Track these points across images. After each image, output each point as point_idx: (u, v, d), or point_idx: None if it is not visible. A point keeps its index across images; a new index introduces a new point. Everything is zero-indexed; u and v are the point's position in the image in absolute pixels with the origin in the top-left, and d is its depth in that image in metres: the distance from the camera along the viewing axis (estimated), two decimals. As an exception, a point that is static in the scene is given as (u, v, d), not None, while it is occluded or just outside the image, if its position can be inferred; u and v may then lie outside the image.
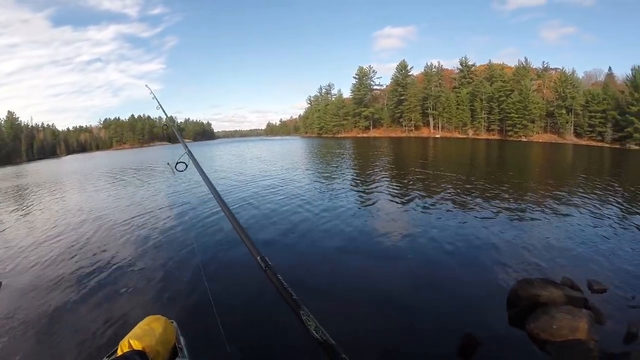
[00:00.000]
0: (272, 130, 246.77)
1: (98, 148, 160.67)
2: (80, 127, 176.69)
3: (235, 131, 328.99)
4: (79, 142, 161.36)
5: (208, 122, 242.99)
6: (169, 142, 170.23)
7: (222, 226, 11.30)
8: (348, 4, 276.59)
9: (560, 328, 5.25)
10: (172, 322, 3.40)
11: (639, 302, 6.52)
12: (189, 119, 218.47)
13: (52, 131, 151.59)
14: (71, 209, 16.71)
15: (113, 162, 54.35)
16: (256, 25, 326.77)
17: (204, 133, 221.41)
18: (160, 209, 14.84)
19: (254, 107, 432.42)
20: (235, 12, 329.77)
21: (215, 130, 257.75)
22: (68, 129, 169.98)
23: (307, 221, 12.22)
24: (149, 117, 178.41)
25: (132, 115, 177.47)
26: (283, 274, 1.64)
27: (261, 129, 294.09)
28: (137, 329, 3.13)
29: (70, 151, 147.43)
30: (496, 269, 7.97)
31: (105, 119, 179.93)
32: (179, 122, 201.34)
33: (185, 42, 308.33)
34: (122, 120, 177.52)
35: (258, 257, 1.78)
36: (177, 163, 3.31)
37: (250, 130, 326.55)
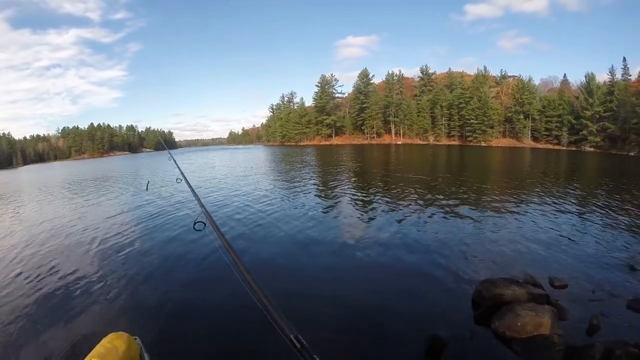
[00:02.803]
0: (234, 139, 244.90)
1: (56, 158, 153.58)
2: (38, 136, 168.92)
3: (198, 140, 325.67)
4: (36, 151, 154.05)
5: (170, 131, 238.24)
6: (130, 151, 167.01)
7: (187, 240, 10.84)
8: (311, 14, 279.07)
9: (524, 325, 5.33)
10: (136, 339, 3.13)
11: (598, 296, 6.72)
12: (150, 127, 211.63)
13: (8, 140, 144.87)
14: (29, 223, 15.68)
15: (74, 172, 52.03)
16: (219, 34, 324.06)
17: (165, 142, 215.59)
18: (125, 222, 14.10)
19: (216, 116, 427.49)
20: (198, 20, 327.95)
21: (177, 140, 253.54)
22: (25, 137, 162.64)
23: (268, 229, 11.92)
24: (108, 125, 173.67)
25: (92, 124, 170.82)
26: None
27: (223, 138, 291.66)
28: (99, 347, 2.86)
29: (27, 161, 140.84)
30: (459, 271, 8.00)
31: (64, 128, 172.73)
32: (140, 131, 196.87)
33: (148, 49, 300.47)
34: (82, 129, 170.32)
35: (292, 336, 1.66)
36: (195, 222, 3.22)
37: (213, 139, 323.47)
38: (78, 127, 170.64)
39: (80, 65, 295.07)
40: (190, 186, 4.50)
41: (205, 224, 3.20)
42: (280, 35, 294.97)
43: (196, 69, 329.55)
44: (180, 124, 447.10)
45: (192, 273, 8.40)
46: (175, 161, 7.58)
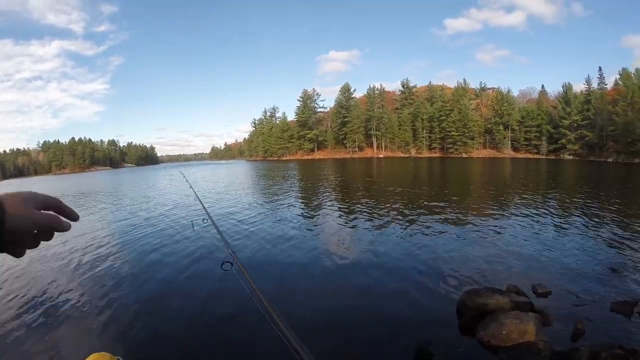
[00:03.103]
0: (216, 155, 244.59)
1: (36, 173, 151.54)
2: (18, 149, 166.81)
3: (180, 155, 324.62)
4: (16, 166, 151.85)
5: (152, 146, 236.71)
6: (111, 167, 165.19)
7: (168, 258, 10.58)
8: (293, 29, 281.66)
9: (509, 333, 5.29)
10: (118, 359, 2.97)
11: (582, 300, 6.73)
12: (132, 142, 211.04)
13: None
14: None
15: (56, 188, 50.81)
16: (202, 48, 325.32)
17: (147, 158, 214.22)
18: (104, 240, 13.68)
19: (198, 131, 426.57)
20: (181, 34, 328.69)
21: (159, 155, 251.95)
22: (5, 151, 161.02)
23: (256, 241, 11.70)
24: (90, 140, 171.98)
25: (73, 138, 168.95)
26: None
27: (206, 153, 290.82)
28: None
29: (7, 175, 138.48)
30: (443, 282, 7.94)
31: (45, 142, 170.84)
32: (121, 146, 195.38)
33: (130, 62, 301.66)
34: (62, 143, 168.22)
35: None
36: (223, 263, 3.11)
37: (195, 154, 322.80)
38: (59, 141, 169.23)
39: (62, 77, 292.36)
40: (217, 228, 4.39)
41: (232, 264, 3.11)
42: (262, 50, 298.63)
43: (179, 83, 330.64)
44: (163, 139, 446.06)
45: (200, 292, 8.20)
46: (197, 195, 7.44)
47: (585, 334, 5.52)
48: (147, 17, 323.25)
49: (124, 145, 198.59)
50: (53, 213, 0.83)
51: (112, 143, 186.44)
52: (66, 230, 0.83)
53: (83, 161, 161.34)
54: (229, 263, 3.14)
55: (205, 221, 5.49)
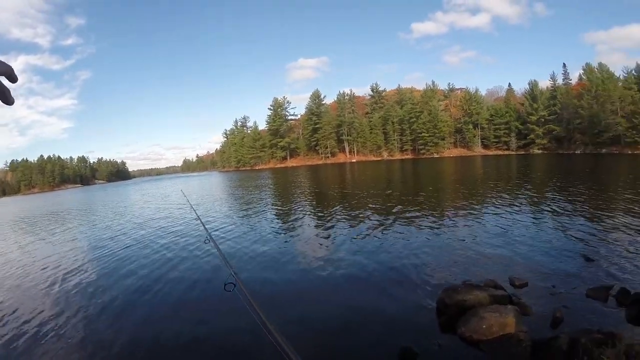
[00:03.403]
0: (188, 167, 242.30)
1: (5, 193, 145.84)
2: None
3: (152, 169, 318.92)
4: None
5: (122, 161, 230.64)
6: (82, 184, 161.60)
7: (147, 273, 10.29)
8: (262, 37, 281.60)
9: (490, 326, 5.33)
10: None
11: (558, 289, 6.83)
12: (102, 158, 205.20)
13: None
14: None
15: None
16: (169, 59, 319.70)
17: (118, 173, 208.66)
18: (80, 260, 13.13)
19: (169, 144, 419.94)
20: (149, 46, 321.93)
21: (130, 170, 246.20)
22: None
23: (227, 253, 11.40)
24: (59, 157, 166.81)
25: (42, 156, 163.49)
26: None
27: (178, 166, 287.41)
28: None
29: None
30: (421, 281, 7.94)
31: (12, 161, 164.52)
32: (91, 162, 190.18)
33: (98, 76, 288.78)
34: (31, 161, 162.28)
35: None
36: (225, 284, 3.15)
37: (167, 167, 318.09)
38: (27, 160, 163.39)
39: (28, 94, 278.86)
40: (218, 248, 4.39)
41: (235, 285, 3.13)
42: (232, 59, 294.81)
43: (148, 95, 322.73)
44: (133, 154, 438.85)
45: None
46: (199, 218, 7.19)
47: (563, 322, 5.60)
48: (113, 29, 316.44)
49: (94, 162, 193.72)
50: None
51: (82, 160, 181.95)
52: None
53: (53, 179, 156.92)
54: (232, 284, 3.14)
55: (207, 241, 5.43)
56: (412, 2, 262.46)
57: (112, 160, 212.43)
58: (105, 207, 35.42)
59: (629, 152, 60.09)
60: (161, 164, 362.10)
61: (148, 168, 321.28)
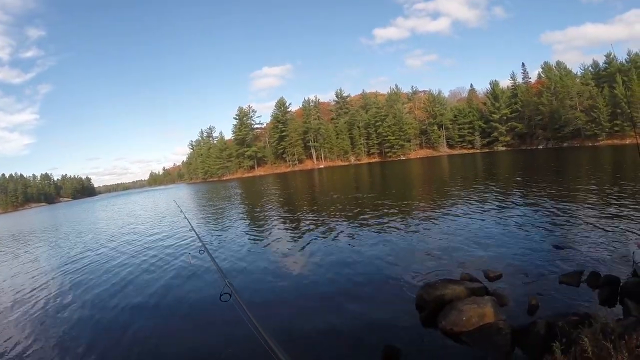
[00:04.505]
0: (155, 180, 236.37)
1: None
2: None
3: (118, 184, 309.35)
4: None
5: (87, 177, 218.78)
6: (46, 202, 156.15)
7: (143, 285, 10.09)
8: (224, 47, 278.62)
9: (469, 318, 5.45)
10: None
11: (532, 278, 7.06)
12: (66, 175, 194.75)
13: None
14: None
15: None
16: (132, 71, 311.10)
17: (84, 190, 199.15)
18: (86, 279, 12.45)
19: (135, 157, 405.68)
20: (110, 57, 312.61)
21: (96, 186, 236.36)
22: None
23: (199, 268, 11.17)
24: (21, 175, 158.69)
25: (3, 175, 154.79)
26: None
27: (144, 180, 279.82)
28: None
29: None
30: (399, 280, 8.02)
31: None
32: (55, 179, 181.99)
33: (59, 89, 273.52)
34: None
35: None
36: (221, 294, 3.15)
37: (134, 182, 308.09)
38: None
39: None
40: (212, 258, 4.42)
41: (231, 295, 3.12)
42: (195, 69, 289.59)
43: (110, 108, 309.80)
44: (98, 169, 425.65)
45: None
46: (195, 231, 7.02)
47: (540, 308, 5.79)
48: (74, 40, 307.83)
49: (58, 179, 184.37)
50: None
51: (46, 177, 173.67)
52: None
53: (16, 199, 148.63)
54: (227, 294, 3.13)
55: (202, 252, 5.43)
56: (373, 8, 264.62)
57: (76, 176, 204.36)
58: (84, 225, 34.41)
59: (590, 144, 62.96)
60: (127, 179, 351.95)
61: (114, 183, 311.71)
